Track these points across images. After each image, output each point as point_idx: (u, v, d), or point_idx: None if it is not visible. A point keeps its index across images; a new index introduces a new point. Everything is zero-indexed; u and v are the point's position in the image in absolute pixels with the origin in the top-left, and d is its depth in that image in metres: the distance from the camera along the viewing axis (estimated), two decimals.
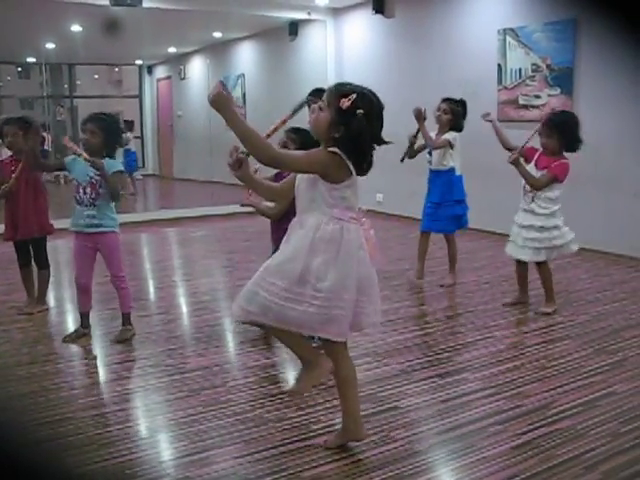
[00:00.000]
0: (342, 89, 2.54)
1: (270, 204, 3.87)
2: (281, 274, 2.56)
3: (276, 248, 3.33)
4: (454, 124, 5.37)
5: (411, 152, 5.54)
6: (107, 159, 4.17)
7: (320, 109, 2.56)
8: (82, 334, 4.37)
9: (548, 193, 4.55)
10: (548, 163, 4.51)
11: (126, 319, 4.40)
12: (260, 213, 4.03)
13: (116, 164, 4.24)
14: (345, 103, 2.47)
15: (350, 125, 2.48)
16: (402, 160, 5.51)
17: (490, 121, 4.81)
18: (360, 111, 2.47)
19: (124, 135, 12.24)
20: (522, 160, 4.61)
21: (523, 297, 4.98)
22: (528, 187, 4.60)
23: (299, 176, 2.68)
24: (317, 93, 4.72)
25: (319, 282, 2.52)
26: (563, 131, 4.49)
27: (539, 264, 4.73)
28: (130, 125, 12.91)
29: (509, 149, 4.71)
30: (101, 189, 4.16)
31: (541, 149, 4.60)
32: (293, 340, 2.72)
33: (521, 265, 4.87)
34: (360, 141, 2.51)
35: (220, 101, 2.42)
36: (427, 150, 5.52)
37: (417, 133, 5.45)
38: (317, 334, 2.69)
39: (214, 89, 2.43)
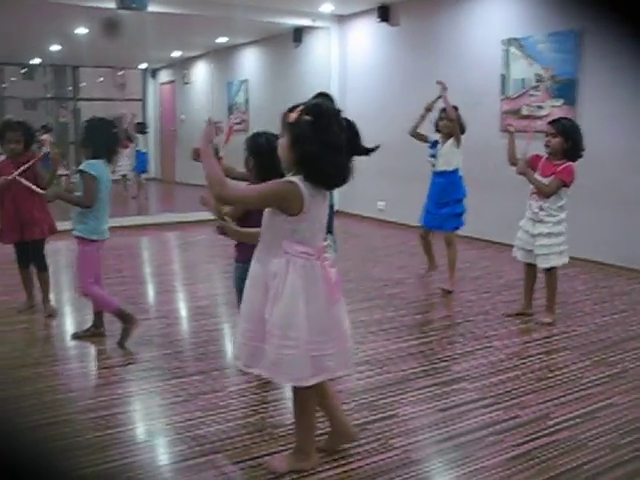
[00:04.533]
0: (291, 108, 2.43)
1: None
2: (246, 315, 2.57)
3: (239, 256, 3.31)
4: (458, 127, 5.45)
5: (417, 123, 5.65)
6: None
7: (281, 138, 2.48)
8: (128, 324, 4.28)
9: (556, 201, 4.57)
10: (553, 169, 4.53)
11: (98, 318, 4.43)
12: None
13: (84, 165, 4.23)
14: (291, 116, 2.37)
15: (300, 136, 2.35)
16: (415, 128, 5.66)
17: (512, 132, 4.81)
18: (306, 117, 2.35)
19: (135, 136, 12.34)
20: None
21: (527, 308, 4.95)
22: (536, 196, 4.61)
23: None
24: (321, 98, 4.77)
25: (271, 317, 2.45)
26: (566, 132, 4.54)
27: (548, 270, 4.73)
28: (141, 127, 12.99)
29: (514, 163, 4.72)
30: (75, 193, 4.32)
31: (545, 155, 4.62)
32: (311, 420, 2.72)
33: (531, 271, 4.85)
34: (308, 147, 2.33)
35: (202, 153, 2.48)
36: (430, 153, 5.57)
37: (433, 103, 5.59)
38: (272, 378, 2.61)
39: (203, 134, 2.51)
